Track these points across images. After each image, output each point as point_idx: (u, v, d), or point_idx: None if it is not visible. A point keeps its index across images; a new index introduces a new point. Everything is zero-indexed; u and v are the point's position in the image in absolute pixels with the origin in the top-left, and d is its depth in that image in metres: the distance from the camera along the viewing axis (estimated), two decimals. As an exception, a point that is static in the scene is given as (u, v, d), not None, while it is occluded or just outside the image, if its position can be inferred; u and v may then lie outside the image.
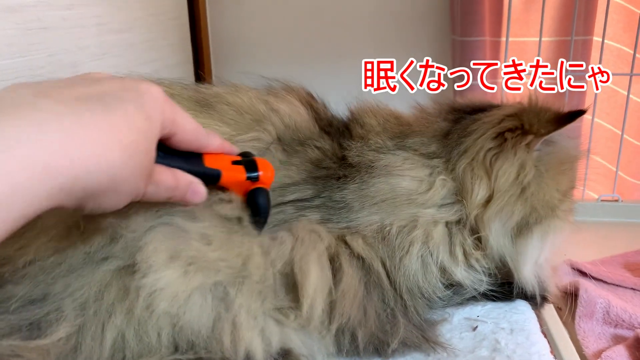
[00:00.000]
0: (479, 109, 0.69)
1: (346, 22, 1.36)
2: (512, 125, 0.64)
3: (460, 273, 0.64)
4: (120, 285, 0.48)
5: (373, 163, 0.63)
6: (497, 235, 0.63)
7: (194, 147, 0.47)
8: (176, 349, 0.49)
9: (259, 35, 1.40)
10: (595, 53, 1.17)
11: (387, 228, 0.61)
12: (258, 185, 0.53)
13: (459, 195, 0.64)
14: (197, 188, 0.47)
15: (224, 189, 0.52)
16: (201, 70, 1.34)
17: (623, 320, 0.76)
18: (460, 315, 0.66)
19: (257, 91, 0.67)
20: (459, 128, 0.66)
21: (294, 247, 0.55)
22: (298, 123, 0.65)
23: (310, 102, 0.69)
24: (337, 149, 0.65)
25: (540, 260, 0.66)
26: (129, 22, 1.07)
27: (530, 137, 0.63)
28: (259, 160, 0.53)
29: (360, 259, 0.59)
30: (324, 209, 0.61)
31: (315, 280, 0.54)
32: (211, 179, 0.49)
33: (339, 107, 0.72)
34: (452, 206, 0.64)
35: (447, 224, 0.63)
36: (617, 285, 0.87)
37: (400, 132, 0.68)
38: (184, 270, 0.49)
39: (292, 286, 0.54)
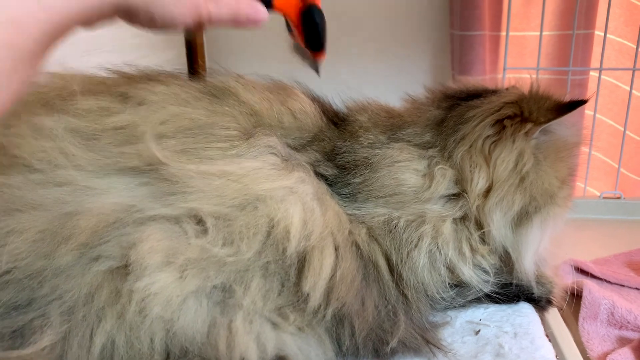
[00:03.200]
0: (474, 95, 0.67)
1: (343, 16, 1.33)
2: (511, 113, 0.63)
3: (467, 271, 0.63)
4: (112, 288, 0.46)
5: (369, 159, 0.62)
6: (498, 226, 0.63)
7: None
8: (168, 355, 0.48)
9: (255, 30, 1.37)
10: (596, 47, 1.15)
11: (395, 221, 0.60)
12: (311, 2, 0.53)
13: (460, 184, 0.62)
14: (258, 7, 0.46)
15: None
16: (194, 66, 1.31)
17: (628, 322, 0.74)
18: (462, 319, 0.64)
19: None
20: (455, 115, 0.65)
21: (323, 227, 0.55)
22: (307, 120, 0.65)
23: (314, 96, 0.69)
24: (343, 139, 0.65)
25: (540, 249, 0.65)
26: (120, 17, 1.04)
27: (529, 125, 0.62)
28: None
29: (358, 248, 0.59)
30: (336, 196, 0.61)
31: (328, 265, 0.53)
32: (264, 1, 0.49)
33: (335, 104, 0.71)
34: (456, 200, 0.63)
35: (454, 220, 0.62)
36: (621, 285, 0.85)
37: (392, 124, 0.67)
38: (180, 275, 0.47)
39: (302, 266, 0.53)
